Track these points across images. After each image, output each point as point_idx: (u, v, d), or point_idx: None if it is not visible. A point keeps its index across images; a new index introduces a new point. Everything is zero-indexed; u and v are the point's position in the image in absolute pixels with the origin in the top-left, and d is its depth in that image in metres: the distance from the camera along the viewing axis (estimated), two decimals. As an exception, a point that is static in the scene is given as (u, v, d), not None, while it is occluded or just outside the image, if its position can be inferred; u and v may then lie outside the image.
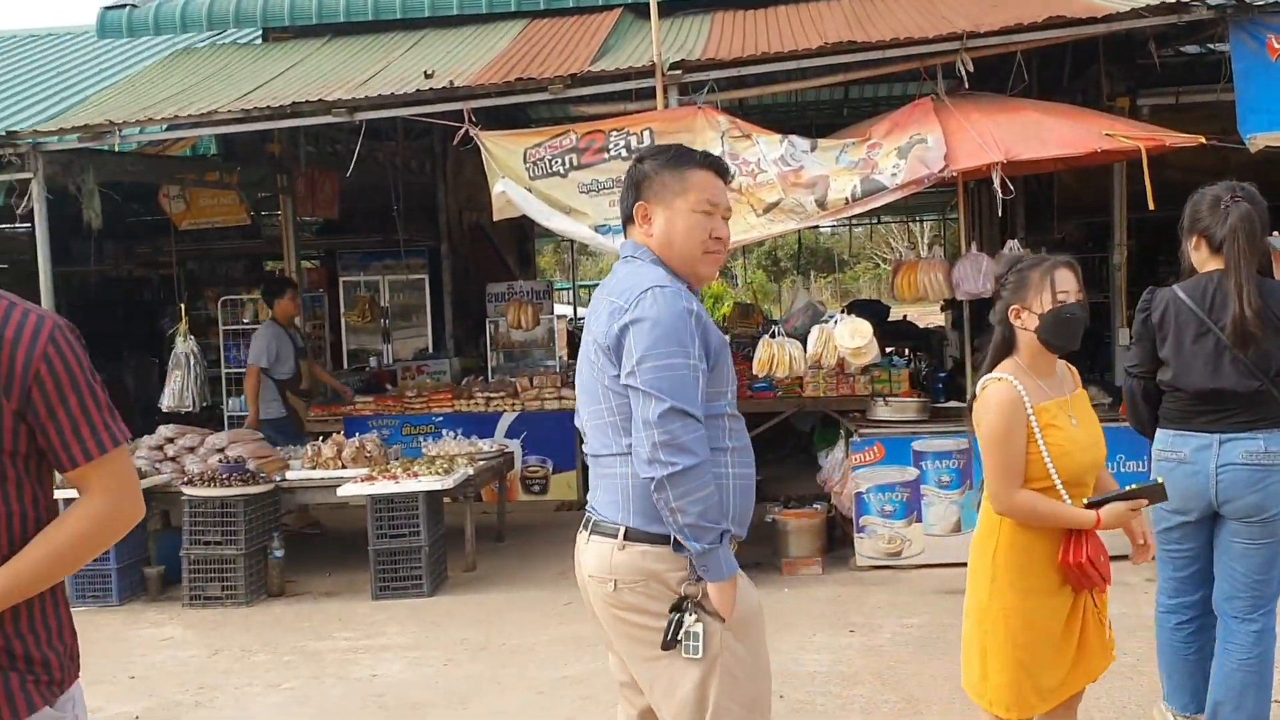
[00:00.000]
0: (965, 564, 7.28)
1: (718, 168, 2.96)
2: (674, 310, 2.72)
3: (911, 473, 7.16)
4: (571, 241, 14.12)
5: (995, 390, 3.25)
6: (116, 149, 8.32)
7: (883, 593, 6.71)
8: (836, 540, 7.64)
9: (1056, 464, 3.19)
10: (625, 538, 2.77)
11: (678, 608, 2.73)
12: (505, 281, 12.92)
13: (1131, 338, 4.35)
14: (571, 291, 21.04)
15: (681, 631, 2.71)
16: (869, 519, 7.20)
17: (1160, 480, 3.47)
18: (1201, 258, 4.08)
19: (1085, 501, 3.24)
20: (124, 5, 9.92)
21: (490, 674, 5.66)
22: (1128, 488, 3.35)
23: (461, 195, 13.21)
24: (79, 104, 9.33)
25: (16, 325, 2.06)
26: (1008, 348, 3.33)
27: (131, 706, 5.47)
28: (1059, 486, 3.20)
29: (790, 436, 10.42)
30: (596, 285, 6.65)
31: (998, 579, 3.28)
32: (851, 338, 6.90)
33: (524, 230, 14.59)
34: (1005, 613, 3.25)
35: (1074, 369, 3.48)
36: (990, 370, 3.33)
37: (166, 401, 9.44)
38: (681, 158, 2.93)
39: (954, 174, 6.76)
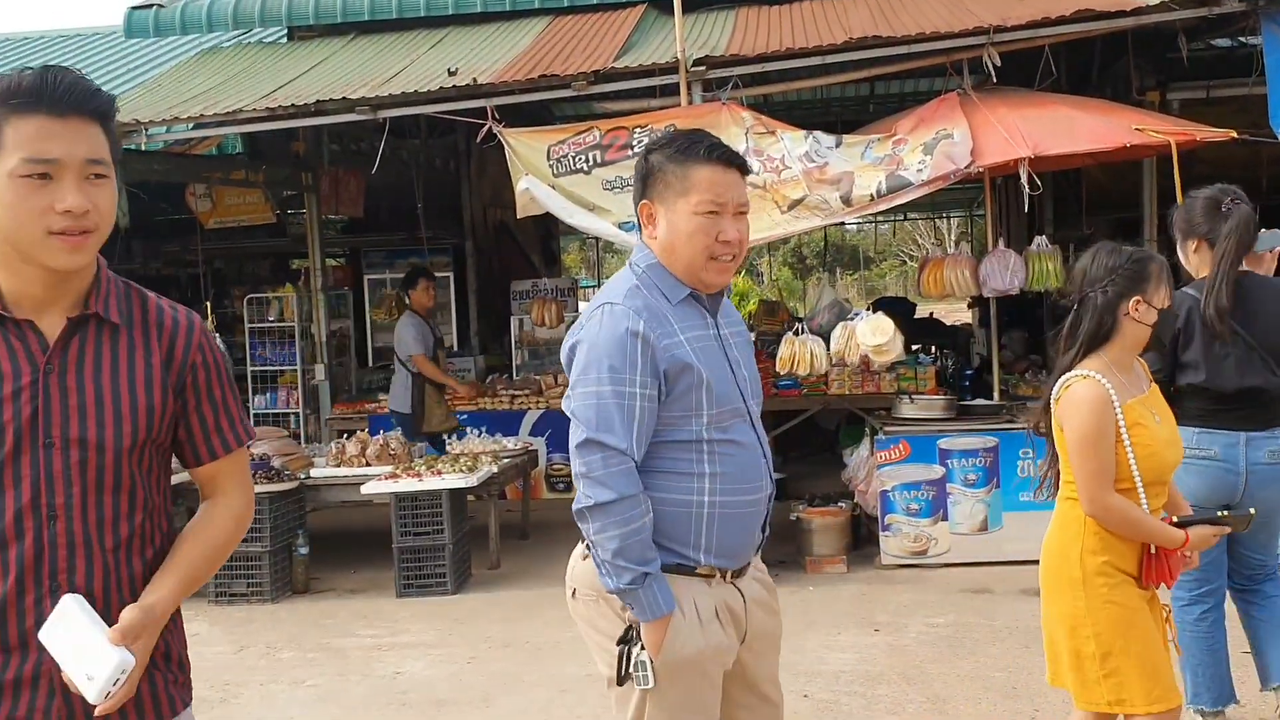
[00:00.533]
0: (992, 563, 7.26)
1: (727, 160, 2.64)
2: (613, 334, 2.54)
3: (937, 471, 7.10)
4: (597, 239, 14.12)
5: (1085, 388, 3.13)
6: (143, 148, 8.37)
7: (908, 591, 6.66)
8: (862, 539, 7.59)
9: (1141, 465, 3.12)
10: (587, 548, 2.71)
11: (625, 639, 2.61)
12: (530, 279, 12.93)
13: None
14: (596, 289, 21.07)
15: (633, 664, 2.58)
16: (894, 517, 7.15)
17: (1253, 511, 3.48)
18: (1201, 260, 4.14)
19: (1175, 520, 3.19)
20: (150, 5, 9.98)
21: (514, 672, 5.66)
22: (1219, 513, 3.37)
23: (486, 193, 13.23)
24: (106, 103, 9.37)
25: (172, 317, 2.08)
26: (1103, 341, 3.19)
27: (157, 703, 5.49)
28: (1140, 488, 3.13)
29: (815, 434, 10.38)
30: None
31: (1090, 581, 3.15)
32: (873, 335, 6.85)
33: (548, 228, 14.59)
34: (1107, 608, 3.13)
35: (1145, 364, 3.41)
36: (1072, 366, 3.20)
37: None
38: (687, 150, 2.63)
39: (980, 170, 6.71)
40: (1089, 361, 3.18)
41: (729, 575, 2.68)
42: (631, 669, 2.59)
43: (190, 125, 8.16)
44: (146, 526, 2.05)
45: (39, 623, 1.92)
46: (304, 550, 7.51)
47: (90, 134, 1.94)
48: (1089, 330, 3.19)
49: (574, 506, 2.60)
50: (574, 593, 2.78)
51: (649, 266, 2.67)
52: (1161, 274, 3.21)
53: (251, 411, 10.93)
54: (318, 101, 7.56)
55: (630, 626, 2.61)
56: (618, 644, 2.62)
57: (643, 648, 2.57)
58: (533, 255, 14.81)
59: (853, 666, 5.40)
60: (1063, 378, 3.20)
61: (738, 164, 2.68)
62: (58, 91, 1.90)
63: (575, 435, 2.60)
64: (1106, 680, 3.15)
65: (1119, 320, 3.17)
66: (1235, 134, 6.70)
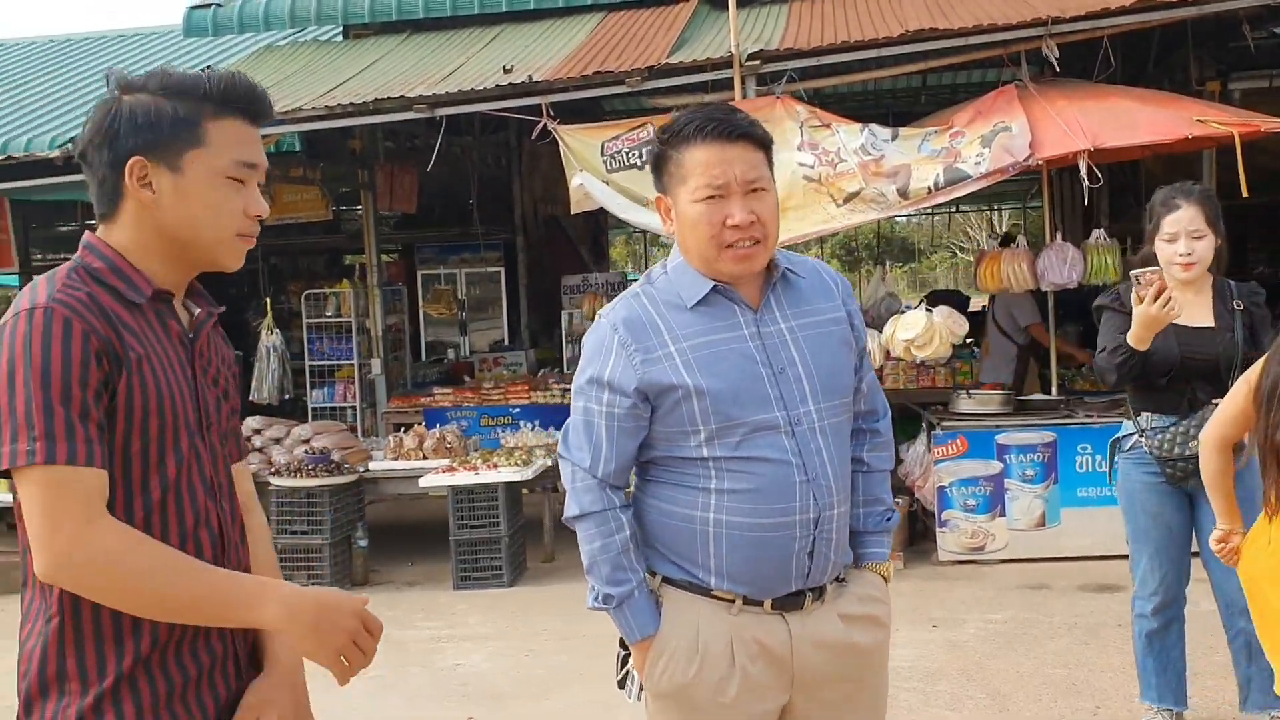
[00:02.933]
0: (1049, 559, 7.18)
1: (725, 134, 2.26)
2: (589, 349, 2.39)
3: (995, 466, 7.05)
4: (644, 232, 14.15)
5: None
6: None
7: (966, 588, 6.63)
8: (918, 534, 7.56)
9: None
10: None
11: (624, 644, 2.45)
12: (579, 274, 12.98)
13: None
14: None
15: (624, 674, 2.48)
16: (951, 513, 7.11)
17: None
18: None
19: None
20: (209, 5, 10.13)
21: (573, 665, 5.70)
22: None
23: (536, 188, 13.29)
24: (167, 103, 9.52)
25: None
26: None
27: (224, 692, 5.60)
28: None
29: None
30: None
31: None
32: (906, 330, 6.79)
33: (598, 223, 14.64)
34: None
35: None
36: None
37: (253, 394, 9.66)
38: (680, 133, 2.30)
39: (1039, 162, 6.65)
40: None
41: (768, 605, 2.34)
42: (624, 679, 2.49)
43: (249, 124, 8.26)
44: None
45: None
46: (363, 543, 7.62)
47: None
48: None
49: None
50: None
51: (674, 266, 2.39)
52: None
53: (309, 405, 11.08)
54: (375, 100, 7.64)
55: None
56: (620, 645, 2.48)
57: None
58: (582, 250, 14.85)
59: (911, 663, 5.38)
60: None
61: (742, 134, 2.28)
62: None
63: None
64: None
65: None
66: (1300, 124, 6.60)
